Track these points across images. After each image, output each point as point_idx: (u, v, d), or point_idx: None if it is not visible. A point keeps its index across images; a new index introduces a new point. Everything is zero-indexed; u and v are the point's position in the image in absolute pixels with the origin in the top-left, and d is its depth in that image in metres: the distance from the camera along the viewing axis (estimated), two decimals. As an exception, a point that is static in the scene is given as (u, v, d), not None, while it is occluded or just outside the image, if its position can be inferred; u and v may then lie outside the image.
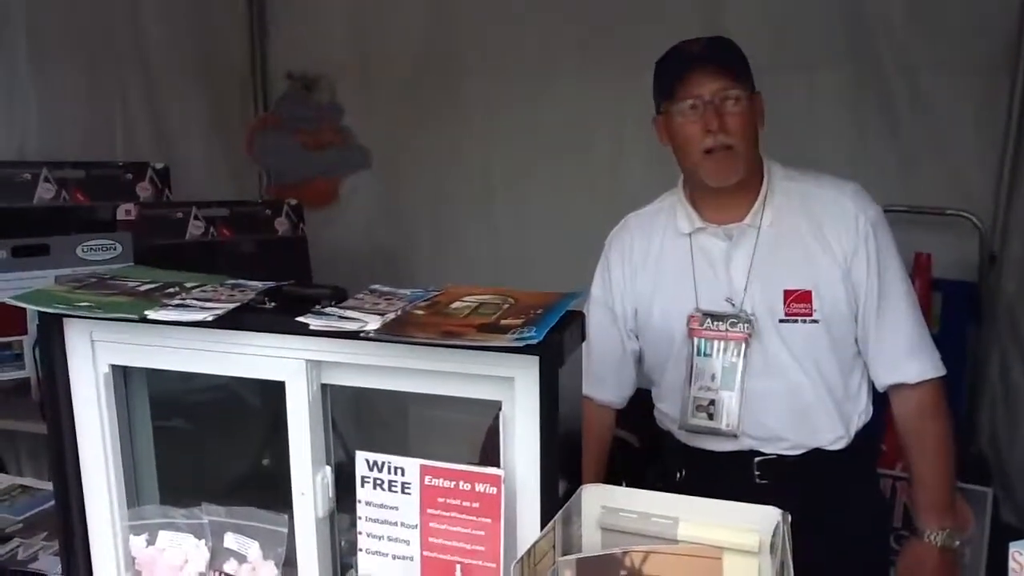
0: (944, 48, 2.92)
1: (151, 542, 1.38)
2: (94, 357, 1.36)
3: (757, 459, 1.84)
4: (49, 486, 1.49)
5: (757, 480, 1.84)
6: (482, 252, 3.54)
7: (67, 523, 1.41)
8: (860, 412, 1.87)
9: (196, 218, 2.79)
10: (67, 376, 1.37)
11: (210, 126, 3.61)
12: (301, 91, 3.78)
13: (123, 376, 1.41)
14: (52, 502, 1.48)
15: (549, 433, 1.18)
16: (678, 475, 1.95)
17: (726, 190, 1.81)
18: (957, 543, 1.85)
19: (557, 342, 1.16)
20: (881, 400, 1.90)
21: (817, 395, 1.82)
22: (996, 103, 2.90)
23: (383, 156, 3.75)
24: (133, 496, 1.43)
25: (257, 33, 3.79)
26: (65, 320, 1.35)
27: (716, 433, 1.84)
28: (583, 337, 1.27)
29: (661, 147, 1.88)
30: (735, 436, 1.83)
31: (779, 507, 1.14)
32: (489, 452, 1.26)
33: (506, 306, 1.25)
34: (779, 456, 1.84)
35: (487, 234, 3.59)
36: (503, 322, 1.18)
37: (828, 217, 1.81)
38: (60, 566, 1.46)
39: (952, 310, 2.93)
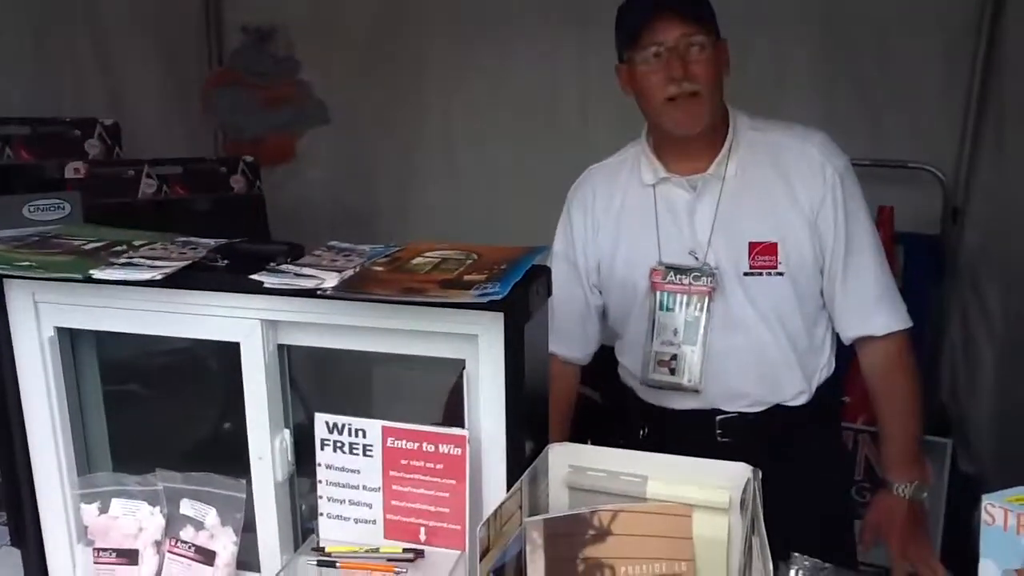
0: (911, 5, 2.90)
1: (104, 510, 1.35)
2: (38, 320, 1.32)
3: (719, 417, 1.83)
4: (-3, 455, 1.44)
5: (719, 439, 1.83)
6: (446, 208, 3.47)
7: (15, 493, 1.38)
8: (823, 367, 1.87)
9: (148, 176, 2.71)
10: (9, 340, 1.32)
11: (163, 81, 3.48)
12: (256, 44, 3.67)
13: (70, 339, 1.37)
14: (-1, 471, 1.43)
15: (515, 391, 1.16)
16: (641, 433, 1.93)
17: (691, 139, 1.78)
18: (924, 495, 1.86)
19: (522, 297, 1.14)
20: (843, 354, 1.90)
21: (780, 349, 1.81)
22: (961, 59, 2.90)
23: (342, 111, 3.66)
24: (84, 464, 1.40)
25: (211, -16, 3.68)
26: (5, 281, 1.30)
27: (678, 388, 1.83)
28: (549, 292, 1.24)
29: (628, 100, 1.84)
30: (697, 391, 1.82)
31: (743, 464, 1.13)
32: (452, 412, 1.24)
33: (469, 261, 1.22)
34: (740, 414, 1.83)
35: (451, 190, 3.53)
36: (466, 278, 1.16)
37: (795, 167, 1.78)
38: (8, 537, 1.42)
39: (914, 263, 2.95)
